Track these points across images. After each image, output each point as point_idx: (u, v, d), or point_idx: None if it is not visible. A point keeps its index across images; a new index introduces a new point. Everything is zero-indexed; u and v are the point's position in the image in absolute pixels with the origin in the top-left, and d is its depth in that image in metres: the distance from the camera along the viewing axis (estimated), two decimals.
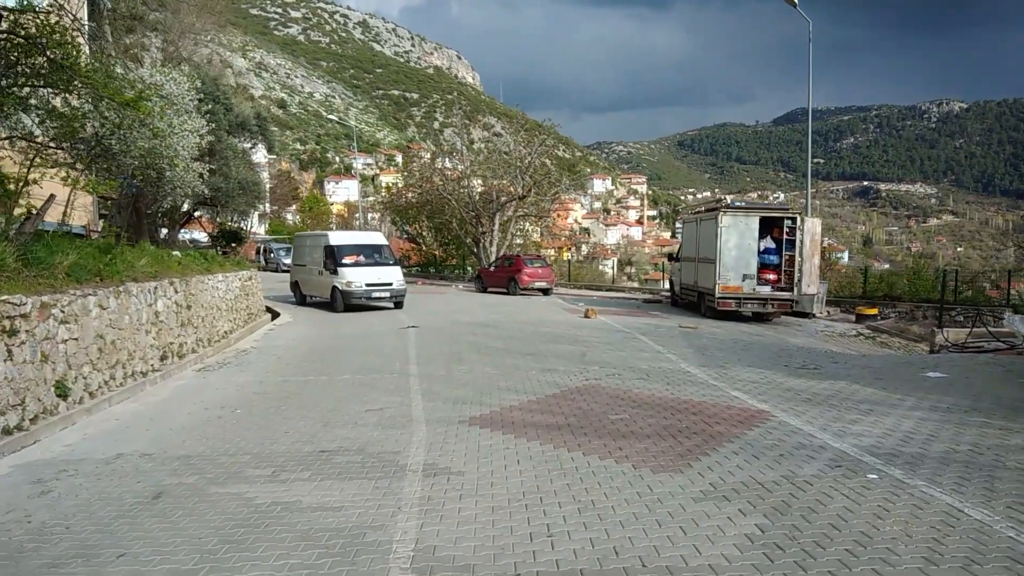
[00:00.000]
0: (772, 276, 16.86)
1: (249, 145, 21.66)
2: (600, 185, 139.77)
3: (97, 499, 4.74)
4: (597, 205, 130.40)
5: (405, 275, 20.91)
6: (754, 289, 16.54)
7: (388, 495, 4.69)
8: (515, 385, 8.44)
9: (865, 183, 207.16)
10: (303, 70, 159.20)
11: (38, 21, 7.26)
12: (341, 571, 3.59)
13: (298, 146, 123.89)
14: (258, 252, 41.01)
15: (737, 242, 16.47)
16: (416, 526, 4.15)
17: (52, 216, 11.51)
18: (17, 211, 8.79)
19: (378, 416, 6.96)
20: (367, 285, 17.88)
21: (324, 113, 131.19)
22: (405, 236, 40.50)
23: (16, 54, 7.46)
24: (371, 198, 66.35)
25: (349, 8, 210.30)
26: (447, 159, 38.10)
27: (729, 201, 18.98)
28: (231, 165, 18.03)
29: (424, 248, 39.42)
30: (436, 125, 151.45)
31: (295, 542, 3.95)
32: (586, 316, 16.65)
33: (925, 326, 16.26)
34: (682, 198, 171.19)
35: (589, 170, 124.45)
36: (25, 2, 7.57)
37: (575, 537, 3.96)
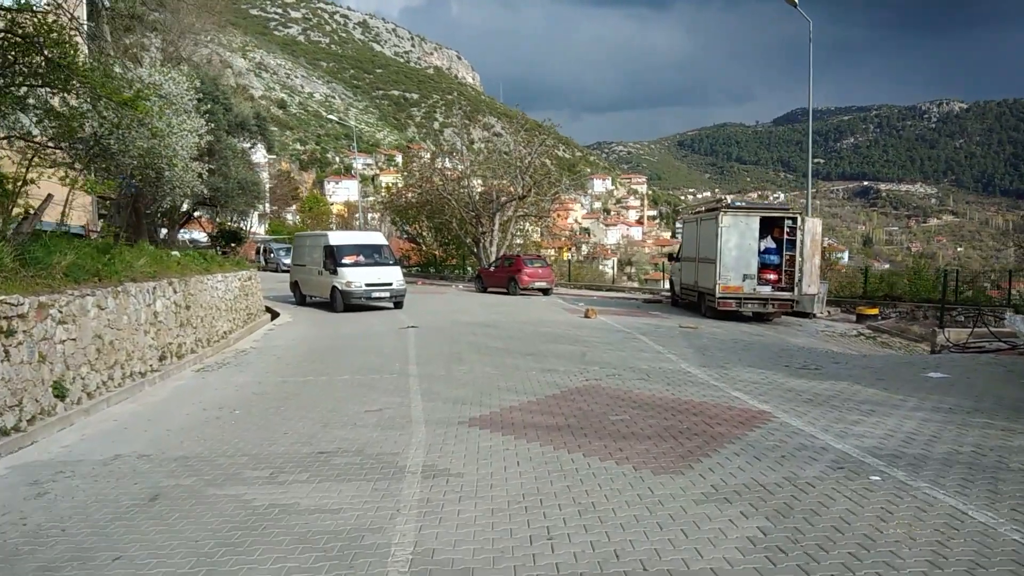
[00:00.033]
0: (772, 276, 16.82)
1: (248, 145, 21.61)
2: (600, 185, 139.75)
3: (94, 501, 4.70)
4: (597, 205, 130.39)
5: (405, 275, 20.88)
6: (754, 289, 16.51)
7: (387, 497, 4.65)
8: (515, 385, 8.40)
9: (865, 183, 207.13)
10: (303, 70, 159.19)
11: (35, 20, 7.22)
12: (339, 575, 3.56)
13: (298, 146, 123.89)
14: (258, 252, 41.00)
15: (737, 242, 16.44)
16: (415, 529, 4.11)
17: (51, 216, 11.47)
18: (15, 211, 8.75)
19: (377, 417, 6.92)
20: (367, 285, 17.85)
21: (324, 113, 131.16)
22: (405, 236, 40.47)
23: (13, 53, 7.42)
24: (371, 198, 66.31)
25: (349, 8, 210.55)
26: (447, 159, 38.06)
27: (729, 201, 18.95)
28: (230, 165, 17.98)
29: (424, 248, 39.39)
30: (436, 125, 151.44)
31: (292, 545, 3.91)
32: (586, 316, 16.61)
33: (926, 326, 16.23)
34: (682, 198, 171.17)
35: (589, 170, 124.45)
36: (23, 1, 7.53)
37: (575, 540, 3.92)
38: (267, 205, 47.60)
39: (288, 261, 29.43)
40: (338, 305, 17.88)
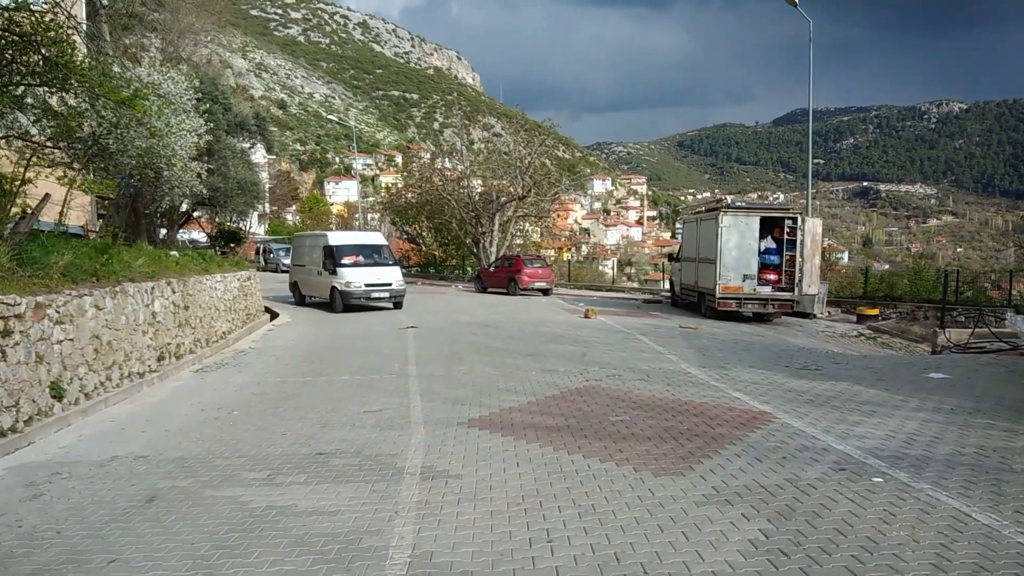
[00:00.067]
0: (773, 276, 16.79)
1: (248, 145, 21.58)
2: (600, 185, 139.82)
3: (90, 503, 4.66)
4: (597, 206, 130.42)
5: (405, 275, 20.84)
6: (755, 289, 16.47)
7: (385, 499, 4.61)
8: (515, 386, 8.37)
9: (865, 184, 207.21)
10: (303, 71, 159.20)
11: (33, 19, 7.18)
12: None
13: (298, 147, 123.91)
14: (258, 252, 41.00)
15: (738, 242, 16.40)
16: (413, 531, 4.07)
17: (49, 216, 11.44)
18: (13, 211, 8.71)
19: (376, 417, 6.88)
20: (366, 285, 17.81)
21: (324, 114, 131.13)
22: (405, 236, 40.45)
23: (11, 52, 7.38)
24: (371, 198, 66.26)
25: (349, 9, 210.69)
26: (447, 159, 38.03)
27: (730, 201, 18.92)
28: (229, 165, 17.95)
29: (424, 248, 39.37)
30: (436, 126, 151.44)
31: (290, 547, 3.87)
32: (586, 316, 16.58)
33: (926, 326, 16.20)
34: (682, 199, 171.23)
35: (589, 170, 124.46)
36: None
37: (575, 542, 3.88)
38: (267, 205, 47.54)
39: (288, 261, 29.40)
40: (337, 305, 17.85)
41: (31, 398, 6.34)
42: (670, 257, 24.57)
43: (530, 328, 14.45)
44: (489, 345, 11.94)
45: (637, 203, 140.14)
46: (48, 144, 9.51)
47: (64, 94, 8.54)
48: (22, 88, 7.96)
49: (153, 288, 9.46)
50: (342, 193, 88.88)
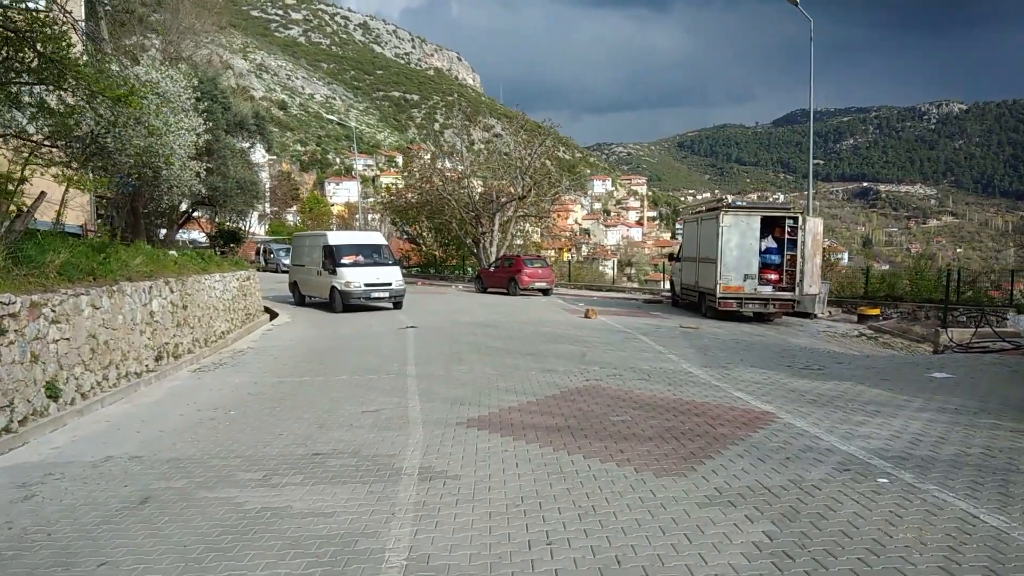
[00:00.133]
0: (773, 276, 16.71)
1: (247, 144, 21.53)
2: (600, 186, 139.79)
3: (82, 504, 4.59)
4: (597, 206, 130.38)
5: (405, 276, 20.77)
6: (755, 289, 16.40)
7: (382, 500, 4.54)
8: (514, 386, 8.29)
9: (865, 184, 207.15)
10: (304, 72, 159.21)
11: (28, 15, 7.12)
12: None
13: (299, 147, 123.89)
14: (258, 253, 41.00)
15: (738, 242, 16.33)
16: (410, 533, 4.00)
17: (47, 215, 11.37)
18: (9, 208, 8.64)
19: (374, 418, 6.81)
20: (366, 285, 17.74)
21: (325, 114, 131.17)
22: (405, 237, 40.39)
23: (6, 49, 7.32)
24: (371, 199, 66.21)
25: (350, 10, 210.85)
26: (447, 160, 37.97)
27: (730, 201, 18.84)
28: (229, 164, 17.90)
29: (424, 249, 39.30)
30: (436, 126, 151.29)
31: (284, 550, 3.80)
32: (586, 316, 16.51)
33: (928, 326, 16.12)
34: (682, 199, 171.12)
35: (589, 171, 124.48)
36: None
37: (575, 545, 3.81)
38: (267, 206, 47.51)
39: (288, 262, 29.34)
40: (337, 305, 17.78)
41: (26, 398, 6.27)
42: (670, 257, 24.50)
43: (530, 328, 14.38)
44: (489, 345, 11.86)
45: (637, 204, 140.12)
46: (46, 143, 9.44)
47: (62, 92, 8.48)
48: (16, 87, 7.89)
49: (151, 287, 9.39)
50: (343, 194, 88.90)
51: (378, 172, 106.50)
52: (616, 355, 10.72)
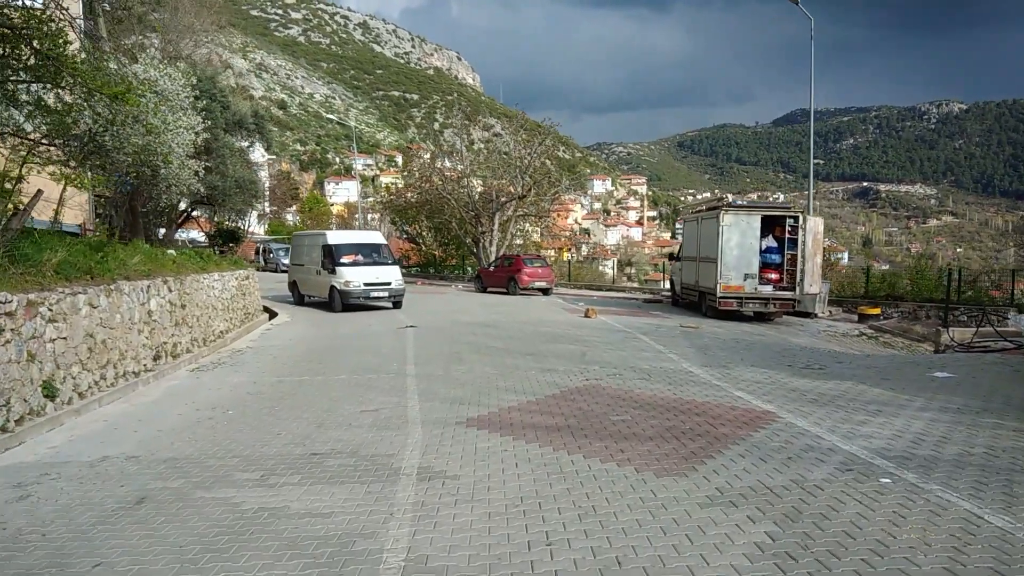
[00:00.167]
0: (774, 275, 16.67)
1: (246, 143, 21.47)
2: (600, 186, 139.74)
3: (78, 504, 4.55)
4: (597, 206, 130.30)
5: (405, 275, 20.72)
6: (756, 288, 16.36)
7: (380, 500, 4.50)
8: (514, 385, 8.25)
9: (865, 184, 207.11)
10: (303, 71, 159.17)
11: (24, 12, 7.07)
12: None
13: (298, 147, 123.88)
14: (257, 252, 40.95)
15: (739, 241, 16.29)
16: (408, 534, 3.95)
17: (45, 214, 11.33)
18: (6, 206, 8.60)
19: (373, 417, 6.77)
20: (365, 284, 17.69)
21: (324, 114, 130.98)
22: (405, 236, 40.34)
23: (3, 47, 7.27)
24: (371, 199, 66.16)
25: (349, 9, 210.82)
26: (447, 159, 37.92)
27: (731, 200, 18.80)
28: (228, 163, 17.84)
29: (424, 248, 39.25)
30: (436, 126, 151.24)
31: (281, 551, 3.76)
32: (586, 316, 16.47)
33: (928, 326, 16.08)
34: (682, 199, 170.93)
35: (589, 171, 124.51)
36: None
37: (575, 546, 3.77)
38: (266, 205, 47.40)
39: (287, 261, 29.30)
40: (336, 305, 17.73)
41: (23, 397, 6.23)
42: (670, 256, 24.46)
43: (530, 328, 14.34)
44: (489, 345, 11.82)
45: (637, 203, 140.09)
46: (44, 142, 9.40)
47: (59, 90, 8.44)
48: (12, 86, 7.84)
49: (149, 287, 9.35)
50: (342, 193, 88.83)
51: (378, 172, 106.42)
52: (616, 355, 10.69)
